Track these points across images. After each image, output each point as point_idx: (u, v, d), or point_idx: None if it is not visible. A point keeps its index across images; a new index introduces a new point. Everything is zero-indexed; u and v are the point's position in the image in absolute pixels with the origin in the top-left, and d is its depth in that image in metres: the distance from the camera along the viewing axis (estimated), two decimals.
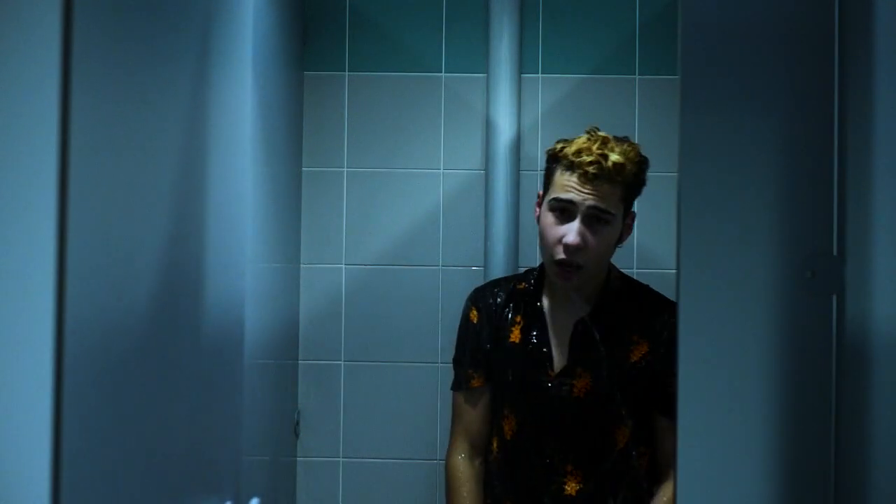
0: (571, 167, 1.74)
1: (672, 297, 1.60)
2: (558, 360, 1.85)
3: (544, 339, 1.86)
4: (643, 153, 1.84)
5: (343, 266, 2.40)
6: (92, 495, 0.81)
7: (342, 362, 2.39)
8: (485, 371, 1.93)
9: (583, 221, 1.75)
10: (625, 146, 1.79)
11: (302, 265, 2.38)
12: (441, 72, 2.40)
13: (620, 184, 1.76)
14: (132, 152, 0.90)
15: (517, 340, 1.88)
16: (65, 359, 0.74)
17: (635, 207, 1.94)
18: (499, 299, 1.93)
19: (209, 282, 1.19)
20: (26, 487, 0.72)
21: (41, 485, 0.73)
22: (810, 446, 1.42)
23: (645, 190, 2.38)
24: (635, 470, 1.85)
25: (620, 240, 1.84)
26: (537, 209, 1.86)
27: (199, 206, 1.15)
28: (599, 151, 1.74)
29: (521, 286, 1.93)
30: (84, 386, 0.78)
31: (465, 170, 2.38)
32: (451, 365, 2.01)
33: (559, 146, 1.80)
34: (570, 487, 1.82)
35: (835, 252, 1.42)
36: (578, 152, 1.74)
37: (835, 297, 1.43)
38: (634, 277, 2.02)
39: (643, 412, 1.84)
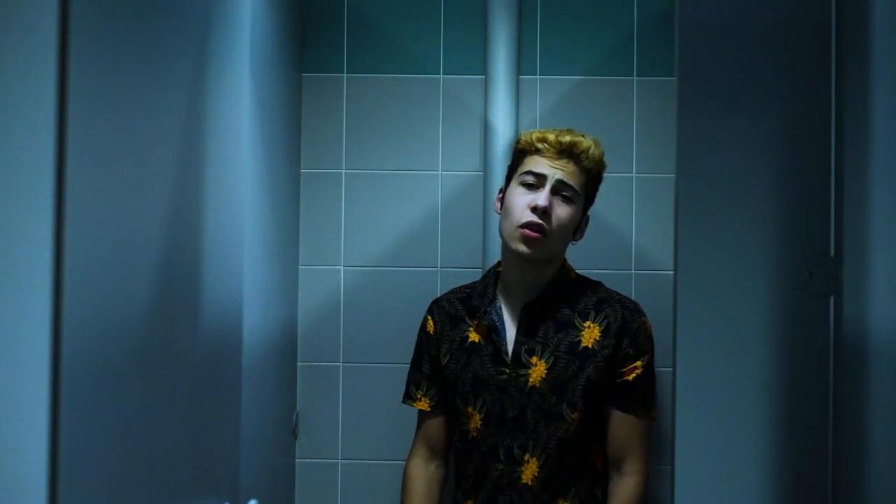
0: (540, 150, 1.86)
1: (671, 297, 1.60)
2: (513, 351, 1.89)
3: (499, 333, 1.90)
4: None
5: (342, 267, 2.40)
6: (90, 496, 0.81)
7: (341, 363, 2.39)
8: (437, 380, 2.01)
9: (551, 192, 1.83)
10: (591, 138, 1.91)
11: (300, 266, 2.39)
12: (439, 73, 2.40)
13: (584, 169, 1.87)
14: (130, 154, 0.91)
15: (476, 339, 1.93)
16: (62, 360, 0.74)
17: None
18: (454, 306, 2.01)
19: (208, 283, 1.19)
20: (24, 488, 0.73)
21: (38, 485, 0.73)
22: (808, 445, 1.42)
23: (643, 190, 2.39)
24: (588, 461, 1.87)
25: (576, 232, 1.91)
26: (498, 203, 1.94)
27: (198, 207, 1.15)
28: (568, 134, 1.87)
29: (477, 290, 1.99)
30: (82, 387, 0.78)
31: (463, 171, 2.38)
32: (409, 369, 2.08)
33: (528, 136, 1.91)
34: (527, 476, 1.84)
35: (832, 253, 1.42)
36: (545, 137, 1.87)
37: (832, 298, 1.43)
38: (589, 277, 2.05)
39: (595, 397, 1.87)
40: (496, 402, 1.88)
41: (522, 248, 1.83)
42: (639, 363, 1.86)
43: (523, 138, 1.91)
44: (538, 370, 1.85)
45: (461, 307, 2.00)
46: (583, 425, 1.86)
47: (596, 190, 1.95)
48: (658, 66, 2.36)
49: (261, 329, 1.89)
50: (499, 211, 1.93)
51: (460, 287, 2.09)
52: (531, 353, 1.86)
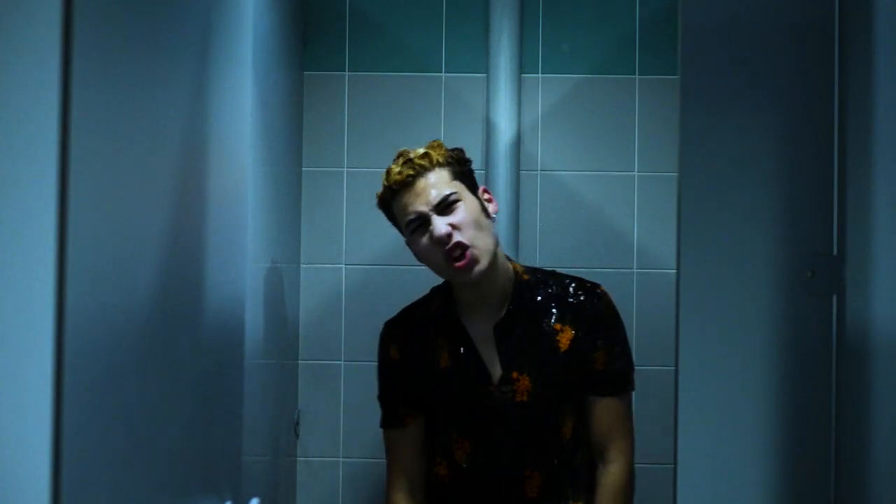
0: (396, 192, 1.78)
1: (673, 297, 1.60)
2: (493, 371, 1.81)
3: (474, 355, 1.82)
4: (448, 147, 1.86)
5: (343, 266, 2.40)
6: (92, 495, 0.81)
7: (342, 362, 2.39)
8: (415, 407, 1.89)
9: (439, 216, 1.75)
10: (426, 146, 1.82)
11: (302, 265, 2.39)
12: (441, 72, 2.40)
13: (438, 167, 1.78)
14: (132, 152, 0.90)
15: (448, 365, 1.84)
16: (65, 359, 0.74)
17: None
18: (416, 329, 1.90)
19: (209, 281, 1.19)
20: (26, 487, 0.73)
21: (41, 485, 0.73)
22: (810, 445, 1.42)
23: (645, 189, 2.38)
24: (583, 454, 1.85)
25: (488, 213, 1.82)
26: (410, 248, 1.84)
27: (200, 205, 1.15)
28: (403, 160, 1.79)
29: (434, 308, 1.90)
30: (84, 386, 0.78)
31: None
32: (378, 401, 1.95)
33: (380, 192, 1.83)
34: (531, 490, 1.82)
35: (835, 252, 1.42)
36: (389, 177, 1.79)
37: (835, 297, 1.43)
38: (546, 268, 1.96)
39: (581, 399, 1.84)
40: (486, 424, 1.82)
41: (466, 276, 1.75)
42: (601, 350, 1.81)
43: (380, 195, 1.83)
44: (523, 384, 1.80)
45: (425, 329, 1.89)
46: (570, 428, 1.83)
47: (466, 165, 1.84)
48: (660, 64, 2.36)
49: (262, 327, 1.89)
50: (417, 255, 1.83)
51: (411, 307, 1.96)
52: (512, 368, 1.80)
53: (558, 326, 1.82)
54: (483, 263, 1.75)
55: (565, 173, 2.38)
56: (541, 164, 2.39)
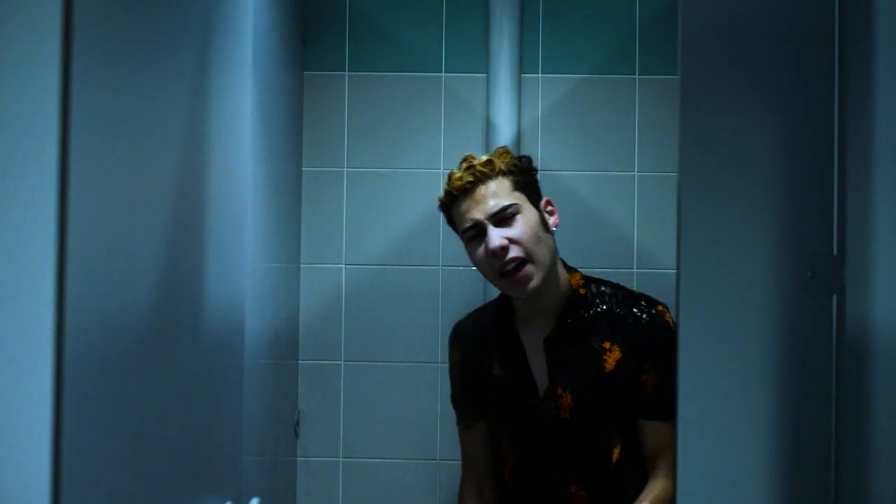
0: (456, 197, 1.77)
1: (673, 298, 1.60)
2: (541, 384, 1.81)
3: (524, 366, 1.82)
4: (518, 154, 1.87)
5: (343, 266, 2.40)
6: (92, 495, 0.81)
7: (342, 362, 2.39)
8: (478, 407, 1.91)
9: (496, 227, 1.73)
10: (492, 153, 1.81)
11: (302, 265, 2.38)
12: (441, 72, 2.40)
13: (500, 175, 1.75)
14: (132, 152, 0.90)
15: (499, 373, 1.84)
16: (65, 359, 0.74)
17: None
18: (477, 333, 1.90)
19: (209, 282, 1.19)
20: (27, 487, 0.72)
21: (41, 484, 0.73)
22: (810, 445, 1.42)
23: (645, 189, 2.38)
24: (636, 480, 1.83)
25: (547, 227, 1.80)
26: (468, 254, 1.83)
27: (200, 205, 1.15)
28: (465, 165, 1.77)
29: (493, 315, 1.89)
30: (84, 386, 0.78)
31: None
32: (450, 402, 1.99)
33: (442, 196, 1.83)
34: None
35: (835, 252, 1.42)
36: (450, 182, 1.78)
37: (835, 297, 1.43)
38: (613, 279, 1.94)
39: (631, 421, 1.81)
40: (532, 436, 1.82)
41: (519, 292, 1.75)
42: (652, 373, 1.78)
43: (441, 199, 1.83)
44: (566, 401, 1.78)
45: (483, 335, 1.89)
46: (619, 448, 1.80)
47: (531, 175, 1.81)
48: (660, 64, 2.36)
49: (263, 328, 1.89)
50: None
51: (478, 310, 1.98)
52: (557, 384, 1.79)
53: (607, 345, 1.78)
54: (536, 280, 1.73)
55: (565, 173, 2.38)
56: (541, 164, 2.39)
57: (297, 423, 2.37)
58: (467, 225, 1.75)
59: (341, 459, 2.38)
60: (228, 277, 1.30)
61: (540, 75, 2.38)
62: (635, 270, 2.35)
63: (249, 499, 1.40)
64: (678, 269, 1.49)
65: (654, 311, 1.80)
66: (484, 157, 1.77)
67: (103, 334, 0.82)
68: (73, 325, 0.75)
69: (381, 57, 2.40)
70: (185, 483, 1.10)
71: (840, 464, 1.41)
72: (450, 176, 1.78)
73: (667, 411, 1.78)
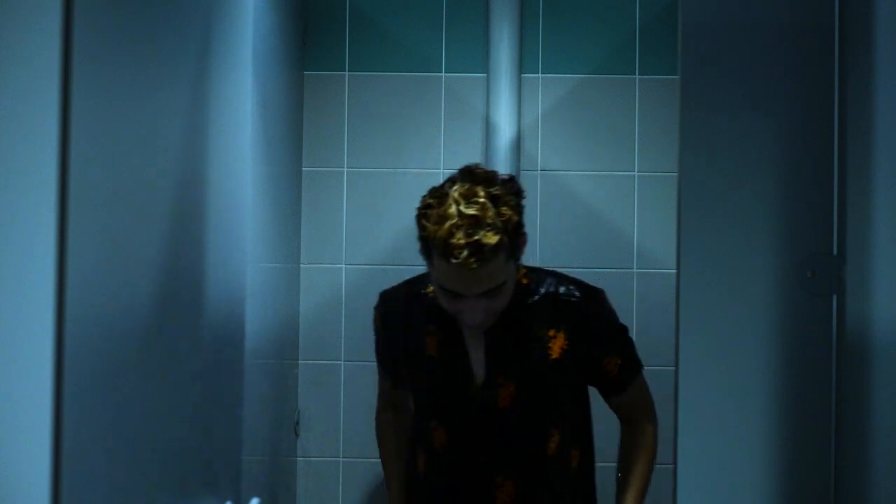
0: (446, 255, 1.55)
1: (674, 296, 1.59)
2: (479, 373, 1.76)
3: (462, 352, 1.76)
4: (515, 185, 1.64)
5: (343, 266, 2.40)
6: (92, 494, 0.81)
7: (342, 362, 2.39)
8: (396, 377, 1.87)
9: (477, 297, 1.62)
10: (499, 207, 1.58)
11: (302, 265, 2.38)
12: (441, 72, 2.40)
13: (500, 252, 1.57)
14: (132, 152, 0.90)
15: (435, 355, 1.78)
16: (65, 358, 0.74)
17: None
18: (407, 308, 1.82)
19: (210, 281, 1.19)
20: (27, 487, 0.73)
21: (41, 484, 0.73)
22: (811, 444, 1.42)
23: (645, 189, 2.38)
24: (568, 474, 1.79)
25: (517, 259, 1.68)
26: (430, 273, 1.67)
27: (200, 205, 1.15)
28: (470, 239, 1.53)
29: (430, 291, 1.77)
30: (84, 386, 0.78)
31: None
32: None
33: (427, 225, 1.59)
34: (501, 500, 1.75)
35: (835, 252, 1.42)
36: (449, 238, 1.54)
37: (835, 297, 1.43)
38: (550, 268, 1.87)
39: (573, 412, 1.80)
40: (463, 422, 1.77)
41: (472, 330, 1.71)
42: (613, 357, 1.77)
43: (424, 222, 1.60)
44: (507, 390, 1.74)
45: (414, 309, 1.80)
46: (557, 441, 1.77)
47: (517, 233, 1.61)
48: (660, 64, 2.36)
49: (262, 328, 1.89)
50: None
51: (410, 281, 1.84)
52: (499, 373, 1.74)
53: (552, 333, 1.75)
54: (491, 322, 1.69)
55: (565, 173, 2.38)
56: (541, 164, 2.39)
57: (297, 423, 2.37)
58: (447, 287, 1.62)
59: (341, 459, 2.38)
60: (228, 277, 1.30)
61: (540, 75, 2.39)
62: (635, 270, 2.35)
63: (249, 499, 1.40)
64: (678, 269, 1.49)
65: (595, 298, 1.77)
66: (490, 235, 1.54)
67: (103, 334, 0.82)
68: (73, 326, 0.75)
69: (381, 57, 2.40)
70: (185, 482, 1.10)
71: (840, 463, 1.41)
72: (445, 241, 1.54)
73: (633, 375, 1.81)
